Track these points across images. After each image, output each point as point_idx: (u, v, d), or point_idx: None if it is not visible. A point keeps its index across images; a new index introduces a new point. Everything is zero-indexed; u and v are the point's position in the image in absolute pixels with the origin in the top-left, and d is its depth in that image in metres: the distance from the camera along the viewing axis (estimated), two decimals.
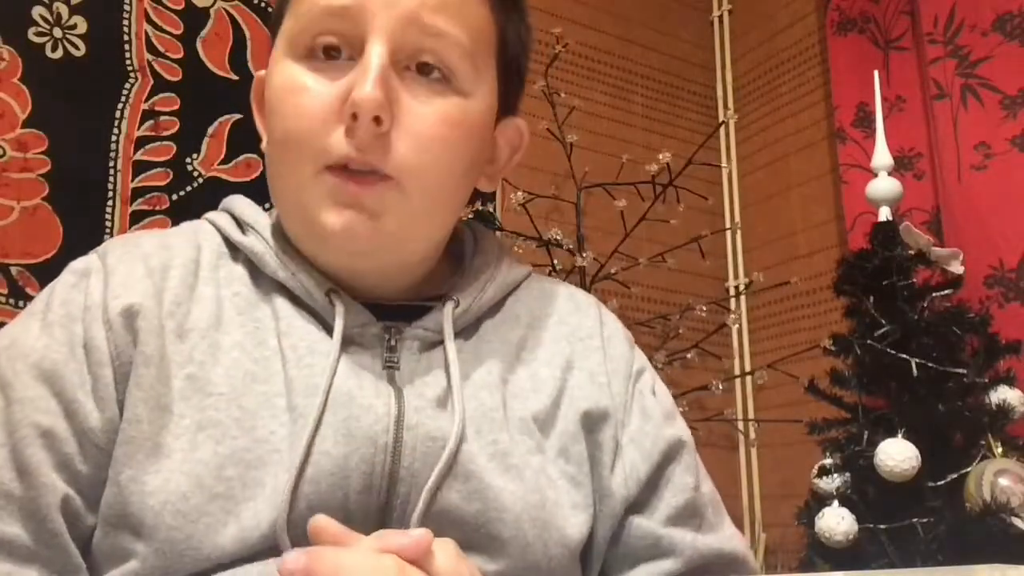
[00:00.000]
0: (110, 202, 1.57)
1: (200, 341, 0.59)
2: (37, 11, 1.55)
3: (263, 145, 0.67)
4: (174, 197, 1.62)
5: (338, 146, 0.58)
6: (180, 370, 0.58)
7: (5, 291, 1.43)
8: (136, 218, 1.58)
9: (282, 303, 0.62)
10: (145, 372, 0.57)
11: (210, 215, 0.68)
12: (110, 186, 1.58)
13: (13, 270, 1.44)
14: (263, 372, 0.59)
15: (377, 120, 0.57)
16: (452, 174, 0.62)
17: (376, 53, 0.58)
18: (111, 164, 1.59)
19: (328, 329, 0.61)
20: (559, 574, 0.60)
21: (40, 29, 1.55)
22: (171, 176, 1.63)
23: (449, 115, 0.61)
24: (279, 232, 0.65)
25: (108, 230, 1.54)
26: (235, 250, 0.65)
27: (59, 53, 1.56)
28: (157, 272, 0.61)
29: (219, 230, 0.66)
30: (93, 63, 1.59)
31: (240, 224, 0.66)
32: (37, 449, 0.55)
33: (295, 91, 0.60)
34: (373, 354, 0.62)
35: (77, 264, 0.64)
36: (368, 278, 0.65)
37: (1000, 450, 1.41)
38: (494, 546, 0.58)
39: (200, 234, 0.66)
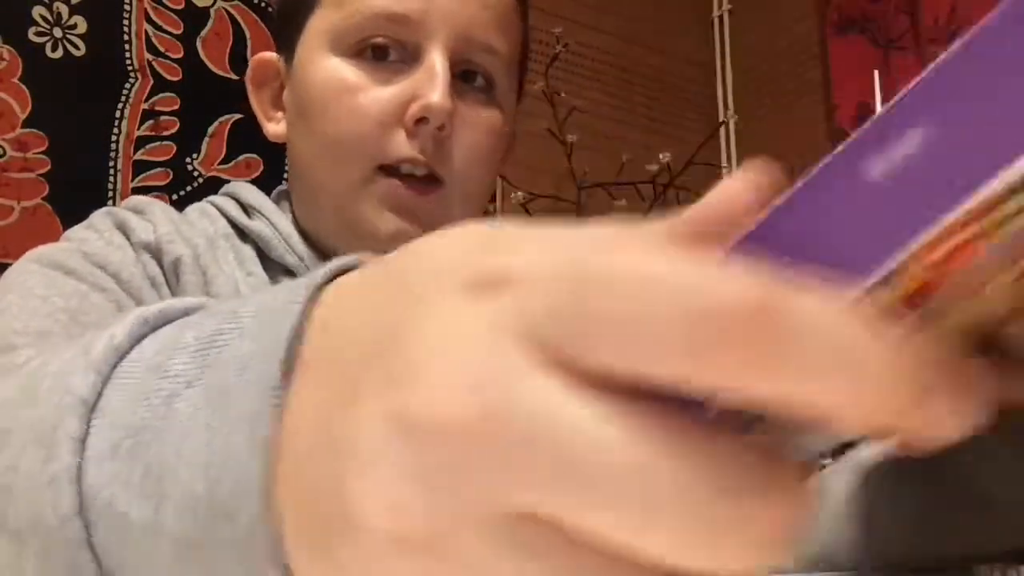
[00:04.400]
0: (110, 202, 1.57)
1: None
2: (37, 11, 1.55)
3: (273, 131, 0.67)
4: (174, 197, 1.62)
5: (399, 148, 0.59)
6: None
7: None
8: None
9: None
10: None
11: (214, 199, 0.68)
12: (110, 186, 1.58)
13: None
14: None
15: (441, 127, 0.58)
16: (489, 182, 0.65)
17: (440, 63, 0.59)
18: (111, 164, 1.59)
19: None
20: None
21: (40, 29, 1.55)
22: (171, 176, 1.63)
23: (494, 126, 0.63)
24: (283, 218, 0.65)
25: None
26: (242, 233, 0.65)
27: (59, 53, 1.56)
28: (185, 236, 0.62)
29: (224, 213, 0.66)
30: (93, 63, 1.59)
31: (245, 209, 0.66)
32: (107, 307, 0.54)
33: (348, 90, 0.60)
34: None
35: (106, 212, 0.63)
36: None
37: None
38: None
39: (208, 216, 0.66)
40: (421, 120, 0.58)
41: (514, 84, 0.66)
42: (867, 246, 0.16)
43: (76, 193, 1.52)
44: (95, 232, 0.60)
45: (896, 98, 0.16)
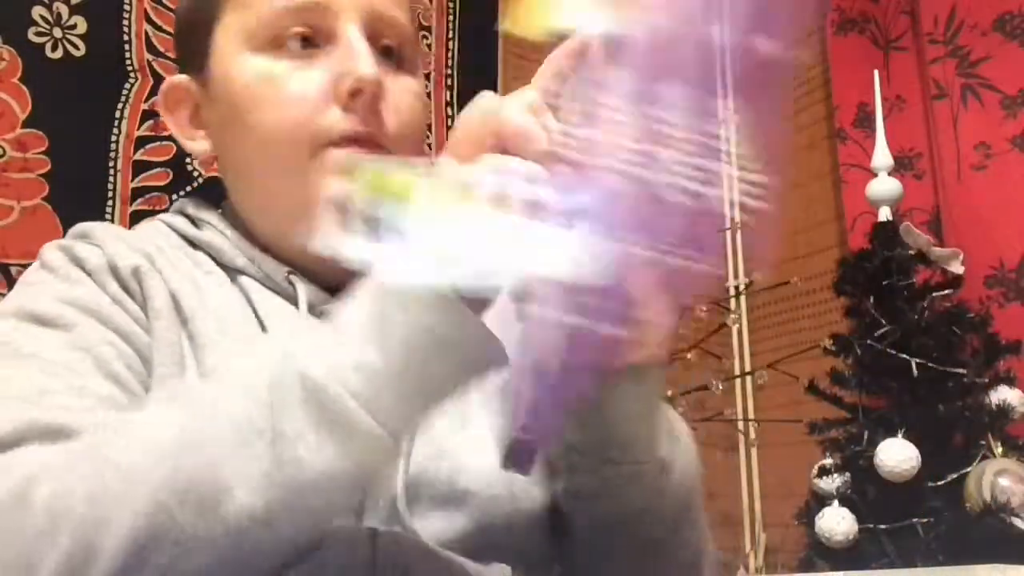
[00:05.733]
0: (110, 202, 1.57)
1: (188, 301, 0.61)
2: (37, 11, 1.55)
3: (196, 148, 0.68)
4: (174, 197, 1.62)
5: (339, 123, 0.61)
6: (183, 328, 0.60)
7: (5, 291, 1.42)
8: (136, 218, 1.58)
9: (248, 282, 0.64)
10: (157, 324, 0.59)
11: (162, 216, 0.69)
12: (110, 186, 1.58)
13: (13, 270, 1.44)
14: (248, 333, 0.61)
15: (376, 95, 0.61)
16: (422, 143, 0.68)
17: (358, 39, 0.62)
18: (111, 164, 1.59)
19: (294, 304, 0.63)
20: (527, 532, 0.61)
21: (40, 29, 1.55)
22: (171, 176, 1.63)
23: (416, 91, 0.66)
24: (232, 227, 0.67)
25: None
26: (193, 244, 0.66)
27: (59, 53, 1.56)
28: (135, 247, 0.62)
29: (173, 228, 0.67)
30: (93, 63, 1.59)
31: (194, 222, 0.68)
32: (120, 365, 0.55)
33: (274, 81, 0.62)
34: None
35: (57, 247, 0.62)
36: (327, 263, 0.66)
37: (1000, 450, 1.41)
38: (463, 500, 0.59)
39: (158, 231, 0.67)
40: (355, 93, 0.61)
41: (417, 54, 0.70)
42: None
43: (76, 193, 1.52)
44: (50, 272, 0.60)
45: None
